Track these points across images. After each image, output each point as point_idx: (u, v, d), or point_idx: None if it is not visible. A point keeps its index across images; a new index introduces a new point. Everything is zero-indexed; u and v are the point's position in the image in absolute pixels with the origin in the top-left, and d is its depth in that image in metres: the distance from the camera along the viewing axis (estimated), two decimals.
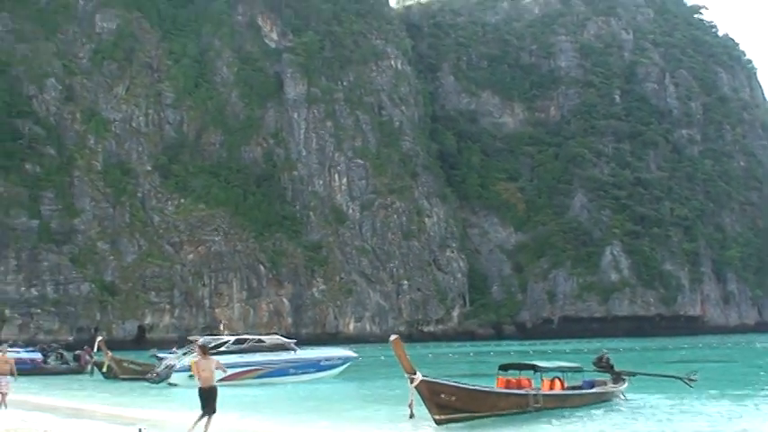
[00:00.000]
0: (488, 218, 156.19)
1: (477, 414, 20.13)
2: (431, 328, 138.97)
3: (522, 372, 24.41)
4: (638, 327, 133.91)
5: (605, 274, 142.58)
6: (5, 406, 22.91)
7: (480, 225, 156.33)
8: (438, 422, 19.31)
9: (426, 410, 19.35)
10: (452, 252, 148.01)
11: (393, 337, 18.67)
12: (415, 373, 18.75)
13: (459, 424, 19.54)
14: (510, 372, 24.60)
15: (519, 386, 23.17)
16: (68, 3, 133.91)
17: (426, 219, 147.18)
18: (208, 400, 14.86)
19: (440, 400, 19.30)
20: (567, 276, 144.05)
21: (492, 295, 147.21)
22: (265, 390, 34.76)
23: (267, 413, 25.71)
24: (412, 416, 18.38)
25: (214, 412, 15.01)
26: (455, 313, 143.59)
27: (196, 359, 15.27)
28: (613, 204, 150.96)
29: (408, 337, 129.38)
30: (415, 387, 18.75)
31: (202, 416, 15.04)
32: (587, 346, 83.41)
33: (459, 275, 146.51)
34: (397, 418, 20.96)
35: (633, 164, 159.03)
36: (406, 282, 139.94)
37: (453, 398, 19.56)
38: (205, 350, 15.42)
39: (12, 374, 23.36)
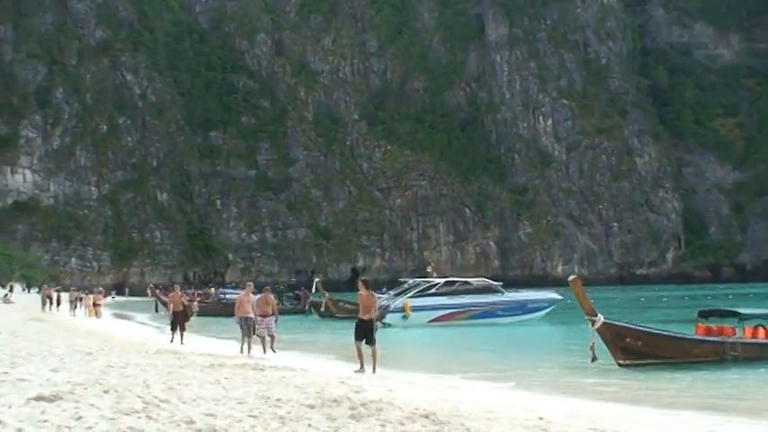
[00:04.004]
0: (704, 156, 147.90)
1: (666, 360, 19.25)
2: (643, 271, 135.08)
3: (725, 319, 22.44)
4: None
5: None
6: (274, 350, 20.72)
7: (696, 163, 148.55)
8: (622, 366, 18.76)
9: (610, 354, 18.85)
10: (666, 192, 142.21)
11: (572, 277, 18.38)
12: (595, 315, 18.36)
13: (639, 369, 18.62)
14: (711, 319, 22.73)
15: (720, 334, 21.40)
16: None
17: (637, 158, 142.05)
18: (370, 331, 15.82)
19: (624, 344, 18.82)
20: None
21: (709, 236, 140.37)
22: (474, 330, 35.26)
23: (468, 352, 26.27)
24: (594, 359, 17.96)
25: (374, 343, 15.94)
26: (669, 255, 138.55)
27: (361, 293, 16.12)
28: None
29: (619, 280, 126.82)
30: (597, 330, 18.34)
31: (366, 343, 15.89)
32: None
33: (673, 216, 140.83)
34: (578, 362, 20.33)
35: None
36: (615, 224, 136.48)
37: (639, 342, 19.01)
38: (367, 285, 16.26)
39: (274, 315, 21.09)
